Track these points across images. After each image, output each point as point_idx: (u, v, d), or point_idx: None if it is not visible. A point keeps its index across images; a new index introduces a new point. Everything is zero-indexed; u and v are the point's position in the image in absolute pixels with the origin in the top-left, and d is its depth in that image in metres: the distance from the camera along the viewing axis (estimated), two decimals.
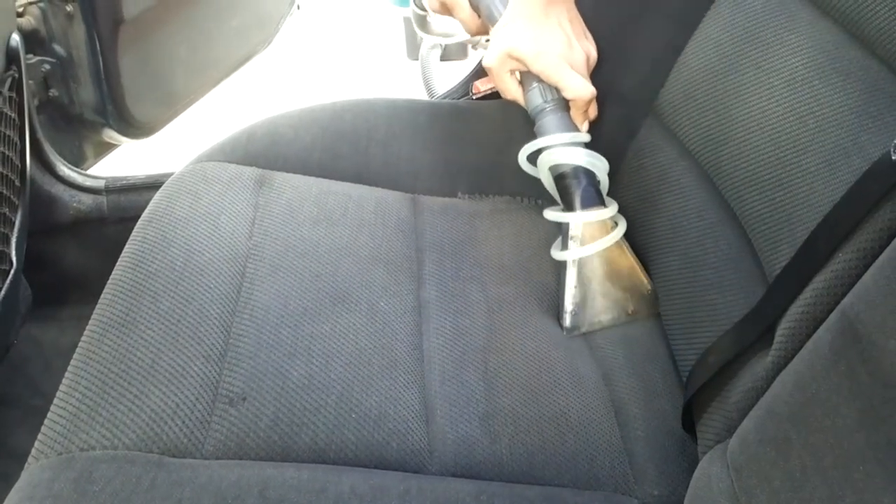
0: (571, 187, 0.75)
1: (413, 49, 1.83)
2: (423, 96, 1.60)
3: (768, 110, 0.65)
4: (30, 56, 1.00)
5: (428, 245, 0.79)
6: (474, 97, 0.99)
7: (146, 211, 0.76)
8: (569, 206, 0.76)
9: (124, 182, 1.08)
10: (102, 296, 0.68)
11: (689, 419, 0.65)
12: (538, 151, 0.77)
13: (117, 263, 0.71)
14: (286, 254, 0.73)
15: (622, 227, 0.77)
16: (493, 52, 0.75)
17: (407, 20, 1.83)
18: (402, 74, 2.03)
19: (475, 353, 0.69)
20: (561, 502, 0.59)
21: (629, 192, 0.82)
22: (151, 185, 1.06)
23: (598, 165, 0.75)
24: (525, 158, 0.79)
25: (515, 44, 0.73)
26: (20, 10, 0.99)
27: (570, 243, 0.75)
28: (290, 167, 0.83)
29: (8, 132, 0.83)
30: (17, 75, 0.85)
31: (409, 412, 0.63)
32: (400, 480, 0.57)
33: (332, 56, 2.18)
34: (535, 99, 0.76)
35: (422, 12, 0.97)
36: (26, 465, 0.56)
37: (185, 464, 0.56)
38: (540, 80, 0.75)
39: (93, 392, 0.59)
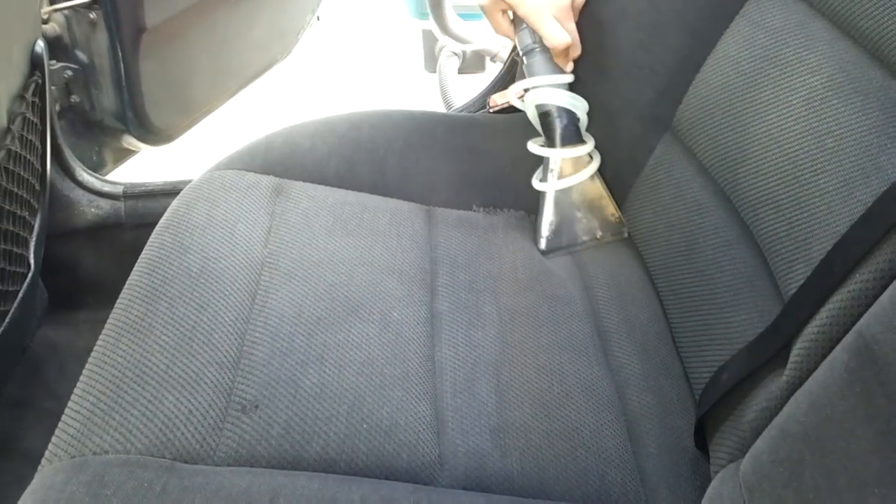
0: (554, 125, 0.83)
1: (431, 62, 1.84)
2: (440, 109, 1.60)
3: (786, 129, 0.64)
4: (53, 62, 1.01)
5: (442, 257, 0.80)
6: (491, 110, 1.00)
7: (163, 217, 0.77)
8: (551, 142, 0.83)
9: (142, 188, 1.09)
10: (118, 300, 0.68)
11: (702, 437, 0.65)
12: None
13: (134, 268, 0.71)
14: (301, 262, 0.73)
15: (596, 161, 0.84)
16: None
17: (426, 32, 1.84)
18: (420, 87, 2.04)
19: (487, 366, 0.69)
20: None
21: (645, 207, 0.82)
22: (169, 192, 1.06)
23: (579, 106, 0.82)
24: (515, 95, 0.85)
25: None
26: (45, 16, 1.00)
27: (550, 175, 0.83)
28: (308, 176, 0.83)
29: (30, 136, 0.84)
30: (40, 81, 0.86)
31: (420, 423, 0.63)
32: (410, 492, 0.57)
33: (351, 67, 2.19)
34: (525, 39, 0.82)
35: None
36: (39, 467, 0.57)
37: (196, 470, 0.56)
38: None
39: (107, 396, 0.59)
